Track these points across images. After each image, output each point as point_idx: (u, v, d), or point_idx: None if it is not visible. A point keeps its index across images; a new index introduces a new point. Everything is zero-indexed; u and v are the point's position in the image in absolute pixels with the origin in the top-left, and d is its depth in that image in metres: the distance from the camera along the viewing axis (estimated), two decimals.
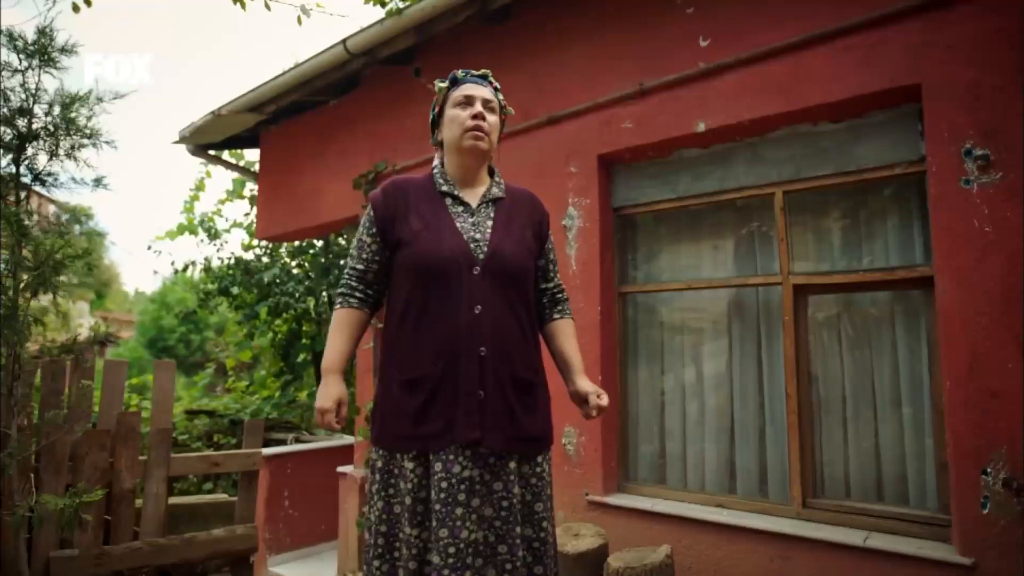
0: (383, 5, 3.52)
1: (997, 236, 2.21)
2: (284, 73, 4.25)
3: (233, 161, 6.28)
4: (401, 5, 3.52)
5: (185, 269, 6.98)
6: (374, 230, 1.76)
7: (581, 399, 1.73)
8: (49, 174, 2.64)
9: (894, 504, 2.54)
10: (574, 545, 2.72)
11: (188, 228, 7.18)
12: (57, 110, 2.60)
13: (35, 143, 2.62)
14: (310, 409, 6.83)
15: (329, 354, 1.75)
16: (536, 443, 1.67)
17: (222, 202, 7.38)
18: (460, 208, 1.74)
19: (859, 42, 2.52)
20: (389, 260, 1.76)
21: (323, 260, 7.01)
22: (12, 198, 2.54)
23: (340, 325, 1.76)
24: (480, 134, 1.71)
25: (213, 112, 4.73)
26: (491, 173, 1.86)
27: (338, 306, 1.79)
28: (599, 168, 3.26)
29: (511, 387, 1.63)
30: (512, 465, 1.61)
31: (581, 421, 3.17)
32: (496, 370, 1.61)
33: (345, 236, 6.79)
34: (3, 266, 2.51)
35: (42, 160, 2.59)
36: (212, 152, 5.66)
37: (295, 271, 7.07)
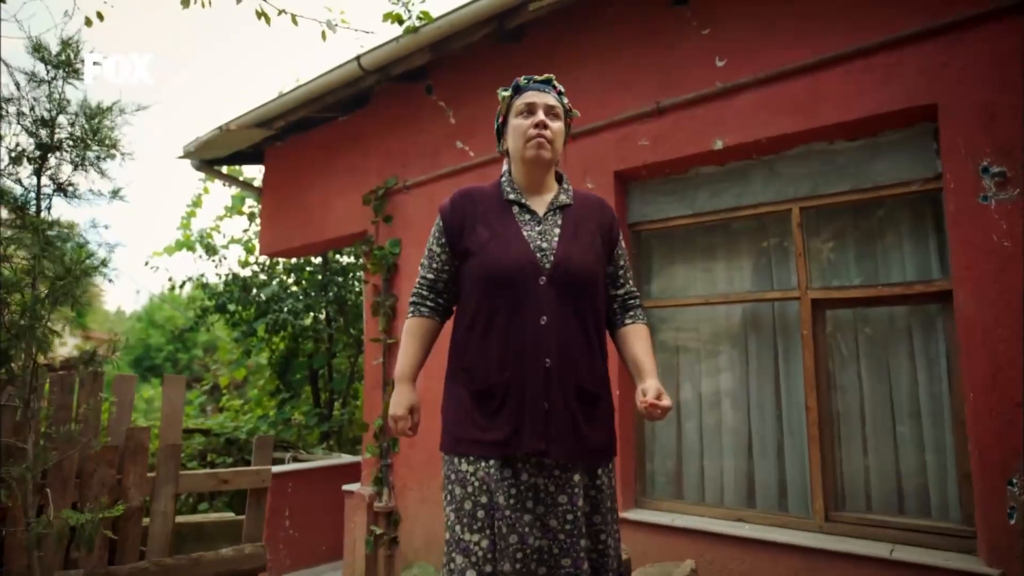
0: (400, 22, 3.55)
1: (1015, 250, 2.27)
2: (294, 89, 4.27)
3: (235, 176, 6.25)
4: (418, 23, 3.57)
5: (183, 285, 6.90)
6: (443, 240, 1.77)
7: (642, 396, 1.63)
8: (71, 184, 2.62)
9: (917, 516, 2.56)
10: None
11: (186, 244, 7.11)
12: (81, 121, 2.59)
13: (58, 154, 2.60)
14: (307, 427, 6.74)
15: (402, 362, 1.76)
16: (598, 454, 1.66)
17: (221, 218, 7.34)
18: (527, 216, 1.73)
19: (876, 63, 2.59)
20: (458, 269, 1.77)
21: (321, 277, 6.98)
22: (34, 209, 2.51)
23: (412, 333, 1.78)
24: (543, 142, 1.70)
25: (220, 127, 4.73)
26: (559, 179, 1.84)
27: (410, 315, 1.80)
28: (615, 184, 3.31)
29: (575, 398, 1.62)
30: (576, 478, 1.60)
31: None
32: (562, 381, 1.60)
33: (353, 251, 6.77)
34: (16, 276, 2.47)
35: (65, 171, 2.57)
36: (216, 167, 5.64)
37: (293, 288, 7.03)
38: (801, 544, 2.59)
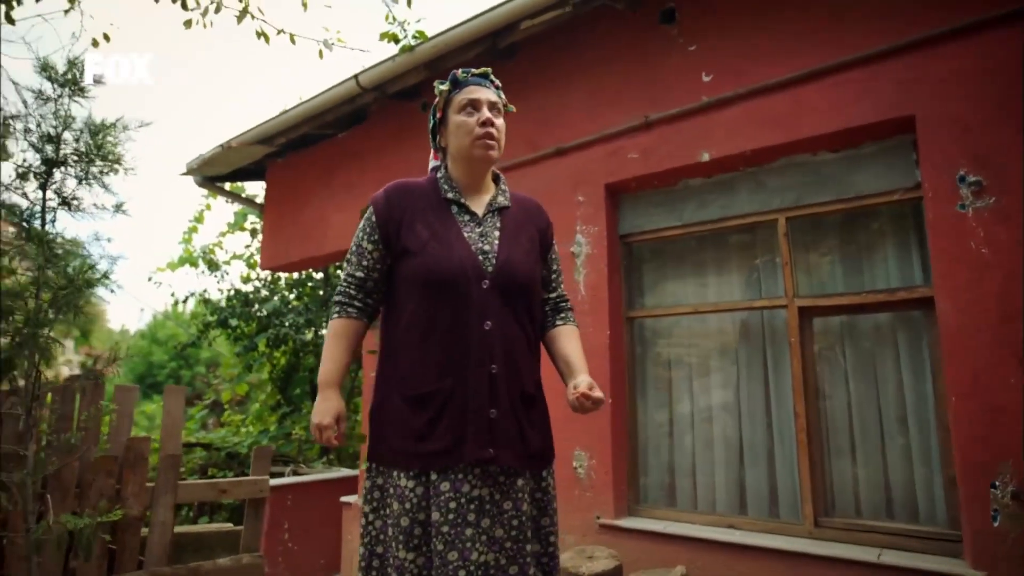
0: (396, 42, 3.66)
1: (993, 257, 2.32)
2: (295, 107, 4.37)
3: (237, 193, 6.37)
4: (414, 43, 3.67)
5: (185, 301, 6.99)
6: (376, 236, 1.65)
7: (573, 388, 1.58)
8: (75, 199, 2.70)
9: (904, 521, 2.58)
10: (589, 567, 2.73)
11: (188, 260, 7.21)
12: (86, 137, 2.67)
13: (63, 169, 2.69)
14: (307, 442, 6.77)
15: (326, 366, 1.64)
16: (542, 458, 1.64)
17: (223, 234, 7.44)
18: (467, 217, 1.66)
19: (854, 77, 2.67)
20: (391, 268, 1.67)
21: (322, 292, 7.06)
22: (38, 222, 2.59)
23: (338, 336, 1.66)
24: (491, 142, 1.64)
25: (222, 145, 4.84)
26: (496, 179, 1.78)
27: (335, 316, 1.68)
28: (606, 197, 3.38)
29: (520, 404, 1.59)
30: (520, 482, 1.56)
31: (591, 444, 3.20)
32: (508, 386, 1.56)
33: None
34: (20, 286, 2.54)
35: (70, 185, 2.65)
36: (218, 184, 5.75)
37: (294, 303, 7.10)
38: (790, 549, 2.61)
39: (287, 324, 6.65)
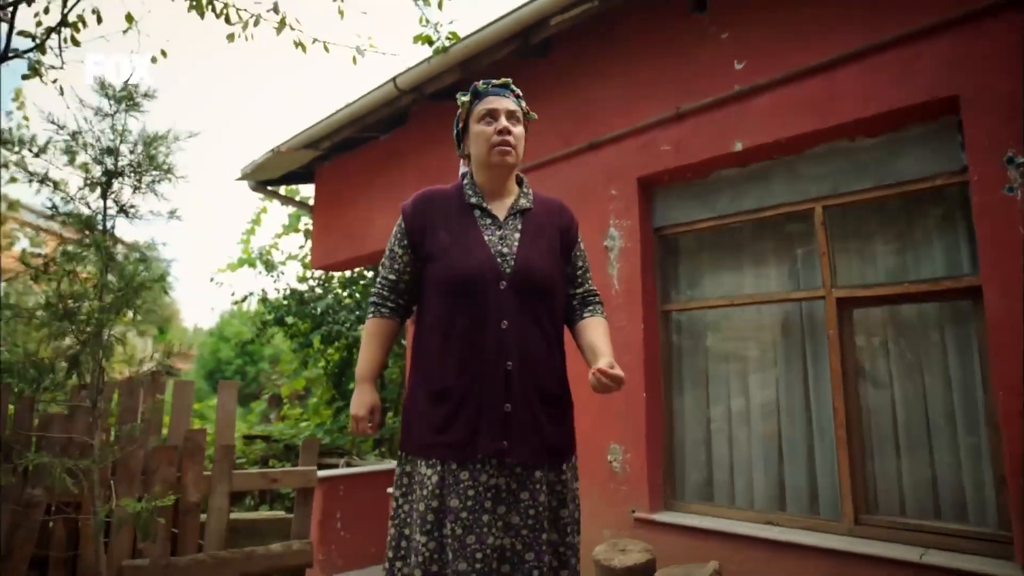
0: (430, 44, 3.74)
1: None
2: (338, 111, 4.53)
3: (291, 196, 6.64)
4: (447, 44, 3.74)
5: (244, 300, 7.33)
6: (405, 242, 1.78)
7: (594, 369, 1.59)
8: (132, 207, 2.90)
9: (951, 521, 2.47)
10: (621, 560, 2.74)
11: (247, 261, 7.56)
12: (140, 148, 2.87)
13: (120, 179, 2.89)
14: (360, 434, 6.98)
15: (362, 363, 1.79)
16: (561, 453, 1.69)
17: (279, 236, 7.76)
18: (488, 221, 1.75)
19: (893, 58, 2.57)
20: (420, 271, 1.77)
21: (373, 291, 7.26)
22: (100, 228, 2.80)
23: (372, 335, 1.80)
24: (507, 148, 1.72)
25: (272, 150, 5.06)
26: (519, 183, 1.86)
27: (370, 316, 1.81)
28: (639, 190, 3.36)
29: (538, 400, 1.65)
30: (538, 474, 1.63)
31: (626, 438, 3.20)
32: (523, 383, 1.63)
33: None
34: (83, 288, 2.76)
35: (126, 194, 2.85)
36: (271, 188, 6.01)
37: (347, 301, 7.34)
38: (829, 547, 2.54)
39: (340, 321, 6.89)
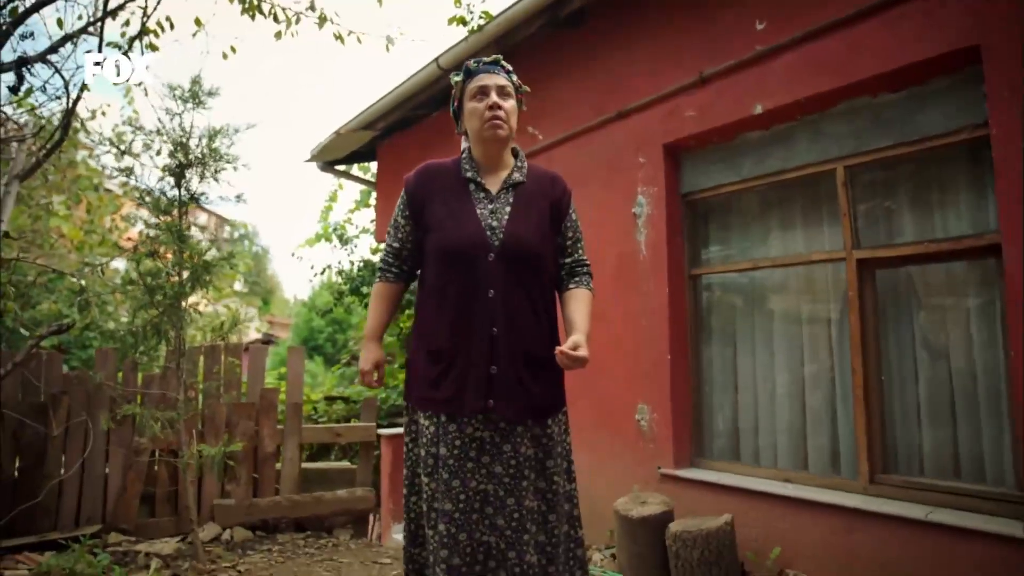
0: (464, 24, 3.90)
1: None
2: (388, 93, 4.80)
3: (359, 174, 7.06)
4: (481, 22, 3.88)
5: (323, 272, 7.90)
6: (407, 213, 1.90)
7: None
8: (202, 193, 3.31)
9: (968, 481, 2.46)
10: (639, 511, 2.91)
11: (324, 236, 8.12)
12: (205, 141, 3.25)
13: (191, 169, 3.29)
14: None
15: (370, 323, 1.97)
16: (545, 410, 1.82)
17: (352, 211, 8.26)
18: (482, 195, 1.86)
19: (913, 9, 2.47)
20: (421, 239, 1.91)
21: None
22: (176, 213, 3.23)
23: (379, 297, 1.97)
24: (499, 122, 1.81)
25: (335, 132, 5.43)
26: (515, 155, 1.94)
27: (377, 279, 1.98)
28: (665, 157, 3.40)
29: (523, 363, 1.78)
30: (520, 429, 1.77)
31: (652, 399, 3.33)
32: (508, 347, 1.76)
33: None
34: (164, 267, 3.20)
35: (195, 183, 3.26)
36: (337, 167, 6.43)
37: None
38: (840, 504, 2.60)
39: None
